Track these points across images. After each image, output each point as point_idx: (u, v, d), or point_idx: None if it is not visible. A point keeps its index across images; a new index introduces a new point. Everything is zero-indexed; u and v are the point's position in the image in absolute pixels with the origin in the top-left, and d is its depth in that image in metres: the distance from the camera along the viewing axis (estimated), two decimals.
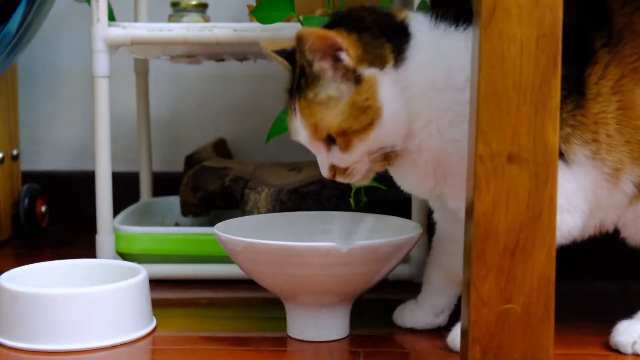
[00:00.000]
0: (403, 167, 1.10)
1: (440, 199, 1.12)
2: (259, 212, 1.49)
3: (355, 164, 1.06)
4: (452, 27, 1.06)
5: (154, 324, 1.21)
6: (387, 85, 1.03)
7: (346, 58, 1.02)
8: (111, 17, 1.47)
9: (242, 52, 1.60)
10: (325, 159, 1.07)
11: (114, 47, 1.42)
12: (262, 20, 1.28)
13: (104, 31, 1.41)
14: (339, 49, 1.02)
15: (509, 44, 0.87)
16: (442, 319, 1.19)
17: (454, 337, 1.08)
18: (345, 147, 1.04)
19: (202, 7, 1.67)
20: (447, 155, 1.06)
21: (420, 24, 1.07)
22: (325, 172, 1.08)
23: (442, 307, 1.19)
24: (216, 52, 1.59)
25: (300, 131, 1.07)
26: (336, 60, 1.02)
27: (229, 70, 1.94)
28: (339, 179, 1.08)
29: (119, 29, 1.42)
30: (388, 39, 1.05)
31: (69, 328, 1.11)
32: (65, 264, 1.27)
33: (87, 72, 1.46)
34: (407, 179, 1.13)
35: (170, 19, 1.66)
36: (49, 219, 1.92)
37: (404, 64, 1.04)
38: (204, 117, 2.00)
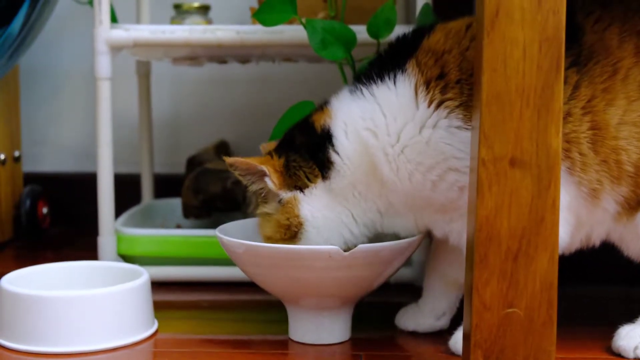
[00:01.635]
0: (388, 219, 1.12)
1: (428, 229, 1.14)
2: None
3: None
4: (379, 83, 1.07)
5: (155, 326, 1.21)
6: (316, 198, 1.10)
7: (270, 183, 1.10)
8: (113, 19, 1.47)
9: (245, 54, 1.60)
10: None
11: (116, 49, 1.42)
12: (265, 23, 1.28)
13: (106, 33, 1.41)
14: (265, 174, 1.10)
15: (511, 47, 0.87)
16: (443, 322, 1.19)
17: (456, 340, 1.08)
18: None
19: (204, 10, 1.67)
20: (412, 198, 1.08)
21: (341, 115, 1.09)
22: None
23: (443, 310, 1.19)
24: (218, 54, 1.59)
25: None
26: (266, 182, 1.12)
27: (231, 73, 1.94)
28: None
29: (122, 31, 1.42)
30: (314, 159, 1.10)
31: (71, 330, 1.11)
32: (67, 266, 1.27)
33: (89, 74, 1.46)
34: (394, 227, 1.13)
35: (173, 21, 1.66)
36: (51, 221, 1.92)
37: (333, 171, 1.09)
38: (206, 119, 2.00)
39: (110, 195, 1.44)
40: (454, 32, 1.06)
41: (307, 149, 1.11)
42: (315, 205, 1.10)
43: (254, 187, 1.13)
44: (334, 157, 1.09)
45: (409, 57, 1.06)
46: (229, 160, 1.10)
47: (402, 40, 1.12)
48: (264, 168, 1.10)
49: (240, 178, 1.13)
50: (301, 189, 1.10)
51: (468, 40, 1.04)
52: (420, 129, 1.04)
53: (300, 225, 1.10)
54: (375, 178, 1.08)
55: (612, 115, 1.02)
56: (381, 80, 1.07)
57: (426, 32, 1.09)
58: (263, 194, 1.13)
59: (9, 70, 1.73)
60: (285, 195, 1.11)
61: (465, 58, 1.03)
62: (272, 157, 1.12)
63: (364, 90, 1.08)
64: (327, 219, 1.10)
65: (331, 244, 1.09)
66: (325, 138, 1.09)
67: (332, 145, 1.09)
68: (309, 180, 1.10)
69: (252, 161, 1.10)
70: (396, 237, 1.14)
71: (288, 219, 1.10)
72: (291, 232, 1.10)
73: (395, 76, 1.06)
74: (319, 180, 1.10)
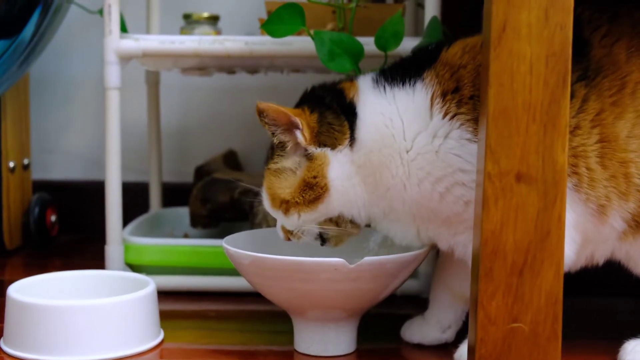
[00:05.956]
0: (387, 222, 1.12)
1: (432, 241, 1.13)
2: (268, 226, 1.49)
3: (300, 228, 1.12)
4: (400, 86, 1.08)
5: (161, 336, 1.21)
6: (340, 164, 1.08)
7: (300, 136, 1.07)
8: (123, 29, 1.47)
9: (253, 65, 1.61)
10: (279, 222, 1.14)
11: (125, 58, 1.43)
12: (273, 34, 1.29)
13: (116, 43, 1.42)
14: (296, 126, 1.07)
15: (518, 62, 0.87)
16: (449, 335, 1.19)
17: (461, 353, 1.08)
18: (285, 213, 1.10)
19: (213, 20, 1.68)
20: (418, 207, 1.08)
21: (366, 100, 1.09)
22: (279, 234, 1.15)
23: (449, 323, 1.19)
24: (227, 64, 1.60)
25: (263, 198, 1.13)
26: (295, 135, 1.08)
27: (240, 83, 1.95)
28: (291, 239, 1.14)
29: (131, 41, 1.42)
30: (346, 118, 1.09)
31: (77, 339, 1.11)
32: (74, 275, 1.27)
33: (99, 83, 1.47)
34: (391, 232, 1.13)
35: (182, 31, 1.67)
36: (59, 229, 1.92)
37: (356, 144, 1.08)
38: (214, 129, 2.01)
39: (118, 203, 1.44)
40: (470, 47, 1.07)
41: (339, 108, 1.09)
42: (340, 170, 1.08)
43: (277, 139, 1.09)
44: (357, 133, 1.08)
45: (429, 67, 1.07)
46: (261, 105, 1.07)
47: (425, 49, 1.13)
48: (298, 120, 1.07)
49: (265, 126, 1.08)
50: (330, 149, 1.08)
51: None
52: (432, 138, 1.04)
53: (326, 187, 1.07)
54: (382, 177, 1.07)
55: (622, 128, 1.02)
56: (402, 85, 1.08)
57: (447, 44, 1.10)
58: (285, 148, 1.10)
59: (20, 78, 1.74)
60: (315, 150, 1.08)
61: (479, 74, 1.03)
62: (304, 111, 1.08)
63: (387, 88, 1.08)
64: (347, 189, 1.08)
65: (343, 215, 1.10)
66: (352, 108, 1.09)
67: (356, 121, 1.08)
68: (337, 140, 1.08)
69: (287, 111, 1.07)
70: (403, 249, 1.14)
71: (315, 177, 1.07)
72: (315, 193, 1.08)
73: (415, 83, 1.07)
74: (346, 142, 1.07)
